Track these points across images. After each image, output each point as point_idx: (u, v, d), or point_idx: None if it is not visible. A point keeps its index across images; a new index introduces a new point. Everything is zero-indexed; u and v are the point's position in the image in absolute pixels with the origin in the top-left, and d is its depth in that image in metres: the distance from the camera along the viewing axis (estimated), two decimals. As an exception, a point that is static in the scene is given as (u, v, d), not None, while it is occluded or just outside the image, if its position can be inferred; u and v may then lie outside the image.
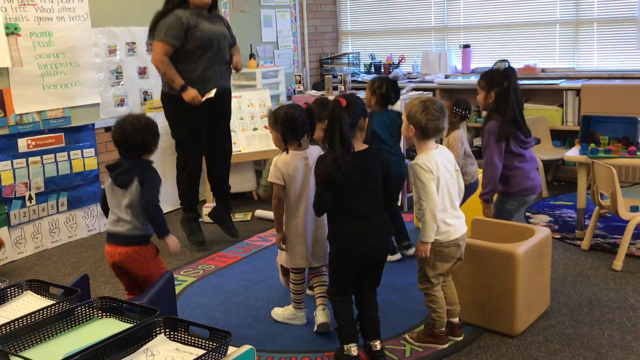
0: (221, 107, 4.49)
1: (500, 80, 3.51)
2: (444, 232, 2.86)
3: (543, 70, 6.23)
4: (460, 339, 3.04)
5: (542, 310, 3.29)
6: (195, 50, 4.24)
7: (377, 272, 2.91)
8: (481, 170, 3.64)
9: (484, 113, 6.09)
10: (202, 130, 4.46)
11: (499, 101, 3.51)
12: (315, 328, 3.20)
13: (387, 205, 2.88)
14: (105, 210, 3.09)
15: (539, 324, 3.19)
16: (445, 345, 3.00)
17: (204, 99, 4.24)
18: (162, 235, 3.01)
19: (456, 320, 3.05)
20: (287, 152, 3.11)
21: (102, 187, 3.10)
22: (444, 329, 3.00)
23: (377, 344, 2.90)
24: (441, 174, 2.83)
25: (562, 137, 5.90)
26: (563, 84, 5.84)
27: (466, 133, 3.99)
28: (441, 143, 3.12)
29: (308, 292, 3.41)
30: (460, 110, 3.85)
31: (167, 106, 4.44)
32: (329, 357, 2.96)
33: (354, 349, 2.85)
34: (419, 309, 3.24)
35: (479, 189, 3.69)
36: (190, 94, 4.22)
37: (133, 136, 2.94)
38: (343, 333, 2.89)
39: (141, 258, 2.99)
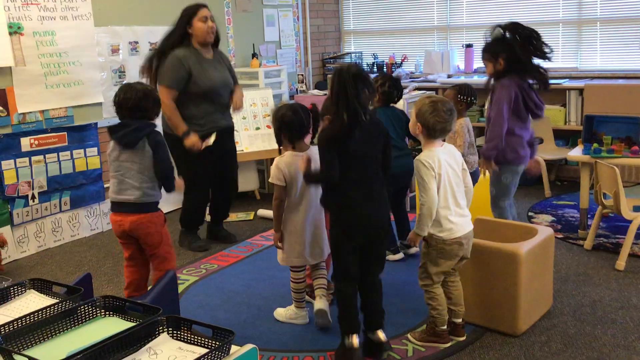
0: (222, 143, 4.37)
1: (502, 45, 3.55)
2: (447, 229, 2.86)
3: (546, 69, 6.21)
4: (462, 339, 3.04)
5: (545, 310, 3.29)
6: (197, 96, 4.19)
7: (380, 246, 2.87)
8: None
9: (485, 113, 6.12)
10: (207, 167, 4.36)
11: (510, 63, 3.53)
12: (315, 319, 3.21)
13: (384, 174, 2.86)
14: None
15: (542, 324, 3.19)
16: (447, 345, 3.00)
17: (203, 146, 4.19)
18: (170, 190, 3.17)
19: (459, 320, 3.05)
20: (280, 154, 3.14)
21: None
22: (445, 327, 3.00)
23: (381, 335, 2.87)
24: (443, 171, 2.83)
25: (565, 137, 5.89)
26: (566, 83, 5.83)
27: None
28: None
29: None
30: (464, 98, 3.84)
31: (169, 144, 4.25)
32: (331, 357, 2.96)
33: (356, 341, 2.81)
34: (421, 308, 3.23)
35: (484, 186, 3.70)
36: (191, 139, 4.15)
37: (143, 98, 3.01)
38: (346, 323, 2.84)
39: (153, 225, 3.07)
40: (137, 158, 3.00)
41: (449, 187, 2.86)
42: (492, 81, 3.68)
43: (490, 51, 3.60)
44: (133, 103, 3.01)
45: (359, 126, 2.67)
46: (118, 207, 3.03)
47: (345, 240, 2.79)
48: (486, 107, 3.72)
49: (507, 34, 3.56)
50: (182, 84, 4.14)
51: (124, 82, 4.50)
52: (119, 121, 3.10)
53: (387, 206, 2.87)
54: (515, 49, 3.50)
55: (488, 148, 3.55)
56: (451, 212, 2.87)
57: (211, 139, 4.22)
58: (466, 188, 2.97)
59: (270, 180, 3.14)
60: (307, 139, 3.20)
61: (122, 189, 2.99)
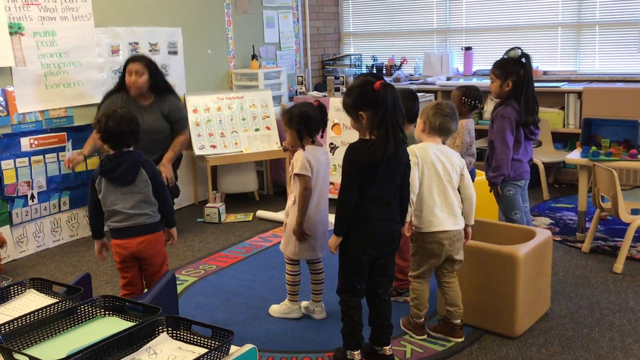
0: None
1: (516, 68, 3.53)
2: (427, 221, 2.90)
3: (545, 72, 6.24)
4: (461, 340, 3.05)
5: (543, 312, 3.30)
6: None
7: (391, 261, 2.83)
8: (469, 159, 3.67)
9: (486, 114, 6.14)
10: None
11: (516, 89, 3.52)
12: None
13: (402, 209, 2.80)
14: (96, 216, 3.04)
15: (539, 326, 3.20)
16: (422, 337, 3.09)
17: (72, 164, 4.43)
18: (172, 225, 3.18)
19: (458, 321, 3.06)
20: (304, 149, 3.16)
21: (91, 194, 3.04)
22: (420, 320, 3.08)
23: (387, 350, 2.87)
24: (428, 165, 2.87)
25: (563, 140, 5.91)
26: (565, 86, 5.85)
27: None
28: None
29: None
30: (469, 100, 3.82)
31: None
32: (329, 357, 2.97)
33: (357, 354, 2.81)
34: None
35: (482, 187, 3.70)
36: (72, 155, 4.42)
37: (132, 125, 2.98)
38: (350, 338, 2.81)
39: (159, 244, 3.10)
40: (137, 189, 2.99)
41: (438, 183, 2.89)
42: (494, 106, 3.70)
43: (502, 69, 3.55)
44: (125, 132, 2.96)
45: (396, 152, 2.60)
46: (124, 233, 2.99)
47: (359, 255, 2.72)
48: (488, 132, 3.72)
49: (524, 60, 3.54)
50: None
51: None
52: (106, 155, 3.01)
53: (399, 222, 2.80)
54: (527, 77, 3.51)
55: (494, 176, 3.57)
56: (437, 206, 2.89)
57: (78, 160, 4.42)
58: (464, 195, 2.98)
59: (297, 171, 3.14)
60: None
61: (124, 219, 2.97)
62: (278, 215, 5.08)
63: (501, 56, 3.63)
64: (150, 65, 4.52)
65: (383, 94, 2.52)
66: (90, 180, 3.04)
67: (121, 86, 4.56)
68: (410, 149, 2.87)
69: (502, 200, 3.65)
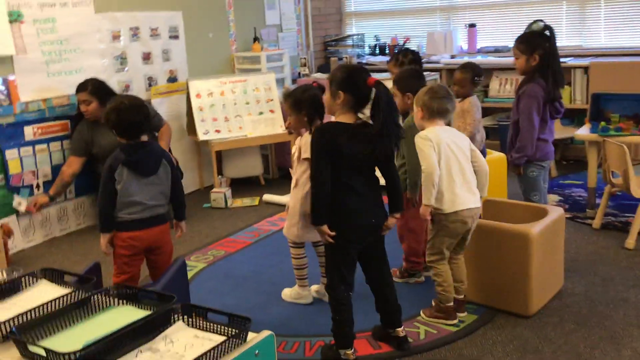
0: None
1: (541, 41, 3.43)
2: (449, 201, 2.85)
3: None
4: (463, 314, 3.05)
5: (556, 290, 3.27)
6: (99, 157, 4.41)
7: (381, 248, 2.78)
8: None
9: (491, 92, 6.08)
10: None
11: (542, 63, 3.43)
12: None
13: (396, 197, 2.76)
14: (110, 207, 2.92)
15: (553, 304, 3.17)
16: (454, 321, 3.01)
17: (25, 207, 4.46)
18: (184, 218, 3.15)
19: (461, 296, 3.05)
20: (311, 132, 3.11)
21: (108, 184, 2.92)
22: (451, 304, 3.01)
23: (400, 331, 2.85)
24: (443, 146, 2.84)
25: (570, 116, 5.84)
26: (571, 62, 5.78)
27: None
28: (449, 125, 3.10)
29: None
30: (478, 79, 3.76)
31: None
32: (343, 341, 2.95)
33: (351, 354, 2.73)
34: (432, 291, 3.22)
35: (493, 166, 3.65)
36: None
37: (143, 111, 2.92)
38: (343, 336, 2.73)
39: (168, 234, 3.07)
40: (158, 180, 2.95)
41: (455, 162, 2.86)
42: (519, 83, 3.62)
43: (528, 43, 3.44)
44: (140, 122, 2.90)
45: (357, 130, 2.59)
46: (144, 224, 2.92)
47: (342, 246, 2.67)
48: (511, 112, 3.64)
49: (547, 32, 3.45)
50: (83, 152, 4.53)
51: (125, 69, 4.47)
52: (126, 145, 2.92)
53: (384, 210, 2.74)
54: (553, 48, 3.42)
55: (519, 156, 3.49)
56: (457, 185, 2.86)
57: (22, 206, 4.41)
58: (478, 167, 2.95)
59: (308, 156, 3.08)
60: None
61: (143, 209, 2.90)
62: (284, 199, 5.05)
63: (521, 32, 3.54)
64: (96, 91, 4.41)
65: (377, 92, 2.55)
66: (107, 169, 2.91)
67: (81, 113, 4.53)
68: (422, 134, 2.88)
69: (524, 181, 3.58)
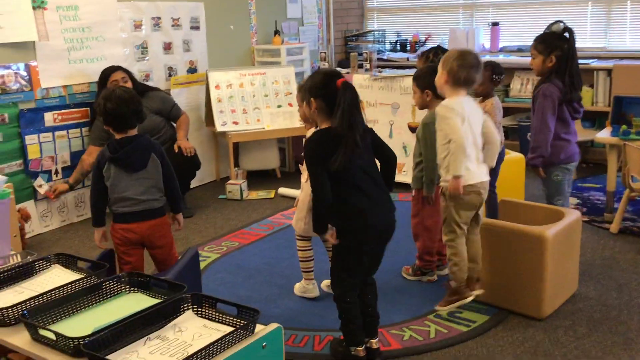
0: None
1: (560, 42, 3.40)
2: (464, 175, 2.80)
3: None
4: (481, 292, 2.96)
5: (570, 294, 3.24)
6: None
7: (382, 252, 2.73)
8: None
9: (513, 92, 6.03)
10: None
11: (560, 64, 3.40)
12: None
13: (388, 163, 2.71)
14: (101, 203, 2.94)
15: (567, 308, 3.14)
16: (469, 299, 2.93)
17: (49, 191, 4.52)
18: (180, 211, 3.09)
19: (475, 275, 2.98)
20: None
21: (97, 181, 2.92)
22: (463, 284, 2.96)
23: (375, 342, 2.75)
24: (466, 118, 2.78)
25: (591, 118, 5.78)
26: (594, 63, 5.71)
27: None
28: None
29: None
30: (498, 77, 3.71)
31: None
32: (352, 336, 2.94)
33: (361, 350, 2.69)
34: (442, 290, 3.20)
35: (511, 166, 3.63)
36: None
37: (132, 105, 2.86)
38: (352, 335, 2.68)
39: (166, 227, 3.03)
40: (148, 174, 2.91)
41: (471, 136, 2.81)
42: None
43: (546, 44, 3.41)
44: (132, 113, 2.85)
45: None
46: (132, 217, 2.89)
47: (355, 251, 2.60)
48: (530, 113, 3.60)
49: (567, 34, 3.42)
50: (102, 140, 4.33)
51: (145, 58, 4.49)
52: (112, 142, 2.90)
53: (393, 208, 2.65)
54: (572, 51, 3.38)
55: (532, 157, 3.44)
56: (470, 159, 2.81)
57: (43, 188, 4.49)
58: (490, 138, 2.92)
59: None
60: None
61: (136, 203, 2.88)
62: (299, 193, 5.05)
63: (538, 33, 3.49)
64: (129, 72, 4.61)
65: (342, 93, 2.47)
66: (95, 166, 2.92)
67: None
68: (447, 103, 2.80)
69: (548, 185, 3.52)
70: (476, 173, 2.84)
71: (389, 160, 2.70)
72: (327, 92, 2.52)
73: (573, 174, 3.62)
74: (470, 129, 2.82)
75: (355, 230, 2.56)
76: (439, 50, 3.90)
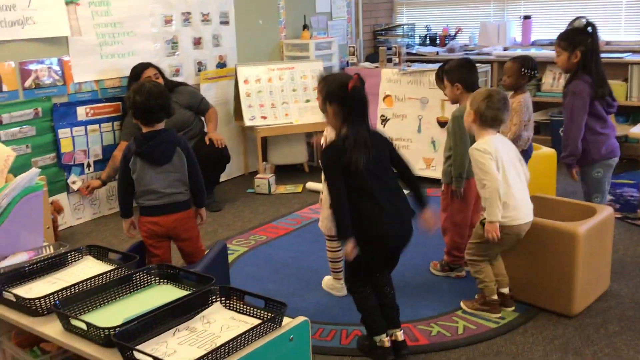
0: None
1: (583, 38, 3.37)
2: (508, 216, 2.82)
3: (608, 43, 5.95)
4: (511, 308, 3.01)
5: (602, 292, 3.19)
6: None
7: (399, 254, 2.75)
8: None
9: (545, 86, 5.94)
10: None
11: (585, 60, 3.36)
12: None
13: (411, 182, 2.71)
14: (127, 196, 2.99)
15: (598, 306, 3.09)
16: (498, 315, 2.98)
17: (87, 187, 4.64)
18: (203, 205, 3.12)
19: (506, 290, 3.02)
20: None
21: (124, 174, 2.97)
22: (495, 297, 2.98)
23: (400, 334, 2.74)
24: (500, 157, 2.80)
25: (625, 113, 5.66)
26: (629, 57, 5.59)
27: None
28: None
29: None
30: (528, 71, 3.65)
31: None
32: (380, 331, 2.94)
33: (387, 340, 2.70)
34: (472, 286, 3.18)
35: (539, 163, 3.58)
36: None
37: (161, 100, 2.89)
38: (373, 323, 2.71)
39: (191, 220, 3.06)
40: (173, 168, 2.94)
41: (513, 173, 2.83)
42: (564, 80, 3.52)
43: (569, 40, 3.39)
44: (162, 106, 2.89)
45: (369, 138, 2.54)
46: (157, 210, 2.94)
47: (368, 255, 2.60)
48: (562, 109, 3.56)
49: (589, 29, 3.38)
50: (133, 136, 4.41)
51: (175, 53, 4.51)
52: (139, 136, 2.94)
53: (411, 214, 2.65)
54: (595, 45, 3.35)
55: (565, 156, 3.42)
56: (515, 198, 2.82)
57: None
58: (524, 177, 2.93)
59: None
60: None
61: (161, 197, 2.92)
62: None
63: (565, 27, 3.46)
64: (160, 69, 4.70)
65: (352, 94, 2.51)
66: (122, 159, 2.97)
67: None
68: (480, 146, 2.81)
69: (588, 181, 3.48)
70: (522, 213, 2.85)
71: (406, 173, 2.71)
72: (341, 96, 2.55)
73: (611, 171, 3.55)
74: (511, 166, 2.83)
75: (365, 237, 2.55)
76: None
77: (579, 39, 3.37)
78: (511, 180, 2.82)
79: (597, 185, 3.45)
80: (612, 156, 3.46)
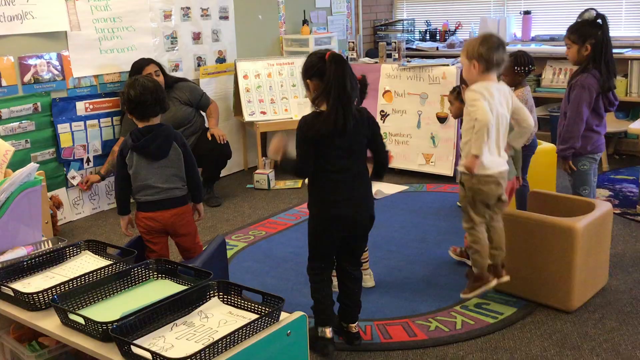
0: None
1: (593, 30, 3.34)
2: (481, 167, 2.75)
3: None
4: (506, 278, 2.94)
5: (600, 287, 3.19)
6: None
7: (361, 243, 2.76)
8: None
9: (544, 82, 5.93)
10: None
11: (595, 53, 3.34)
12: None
13: (379, 169, 2.70)
14: (124, 192, 2.99)
15: (596, 301, 3.10)
16: (492, 284, 2.92)
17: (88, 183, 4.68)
18: (200, 200, 3.11)
19: (499, 262, 2.95)
20: None
21: (120, 169, 2.96)
22: (485, 271, 2.92)
23: (353, 327, 2.78)
24: (493, 107, 2.72)
25: (625, 109, 5.66)
26: (628, 53, 5.58)
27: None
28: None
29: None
30: (522, 68, 3.64)
31: None
32: (378, 326, 2.95)
33: (329, 331, 2.71)
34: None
35: (542, 157, 3.57)
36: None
37: (155, 94, 2.87)
38: (321, 314, 2.72)
39: (188, 215, 3.05)
40: (170, 163, 2.93)
41: (496, 126, 2.75)
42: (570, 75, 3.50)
43: (579, 32, 3.36)
44: (156, 100, 2.86)
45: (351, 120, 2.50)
46: (154, 205, 2.93)
47: (322, 234, 2.67)
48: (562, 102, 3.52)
49: (599, 21, 3.36)
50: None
51: (175, 48, 4.50)
52: (135, 131, 2.92)
53: (369, 203, 2.67)
54: (606, 37, 3.32)
55: (564, 149, 3.40)
56: (490, 149, 2.76)
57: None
58: (525, 125, 2.87)
59: None
60: None
61: (158, 192, 2.91)
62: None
63: (565, 22, 3.44)
64: (160, 65, 4.69)
65: (328, 65, 2.46)
66: (118, 154, 2.96)
67: None
68: (476, 88, 2.73)
69: (574, 175, 3.47)
70: (495, 162, 2.79)
71: (380, 161, 2.69)
72: (319, 70, 2.51)
73: (596, 164, 3.55)
74: (497, 119, 2.75)
75: (319, 217, 2.64)
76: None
77: (590, 31, 3.34)
78: (493, 132, 2.74)
79: (583, 178, 3.46)
80: (598, 151, 3.46)
